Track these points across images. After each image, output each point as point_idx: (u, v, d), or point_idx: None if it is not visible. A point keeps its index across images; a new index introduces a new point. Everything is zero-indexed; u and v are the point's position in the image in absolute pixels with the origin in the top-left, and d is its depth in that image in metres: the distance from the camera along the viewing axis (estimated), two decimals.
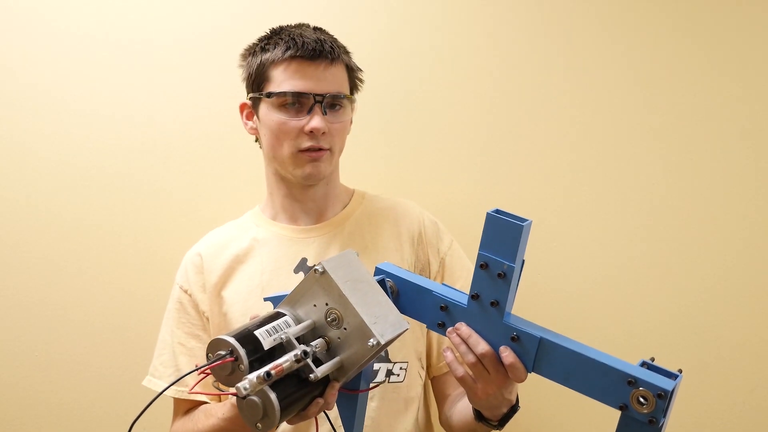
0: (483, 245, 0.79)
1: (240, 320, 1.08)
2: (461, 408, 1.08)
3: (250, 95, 1.13)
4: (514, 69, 1.45)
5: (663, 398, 0.71)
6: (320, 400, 0.78)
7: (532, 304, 1.39)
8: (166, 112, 1.46)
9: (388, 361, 1.09)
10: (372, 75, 1.23)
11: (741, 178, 1.41)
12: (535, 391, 1.20)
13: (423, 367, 1.14)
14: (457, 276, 1.16)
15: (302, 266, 1.11)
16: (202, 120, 1.46)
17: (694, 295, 1.43)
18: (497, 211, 0.78)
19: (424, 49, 1.45)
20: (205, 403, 1.11)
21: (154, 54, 1.45)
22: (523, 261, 0.80)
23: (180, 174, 1.47)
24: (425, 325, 0.88)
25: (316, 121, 1.05)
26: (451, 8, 1.45)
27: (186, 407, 1.13)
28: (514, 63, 1.45)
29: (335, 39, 1.13)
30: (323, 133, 1.06)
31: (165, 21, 1.44)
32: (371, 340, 0.74)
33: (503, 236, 0.77)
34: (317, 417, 0.82)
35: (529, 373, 0.81)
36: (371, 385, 0.91)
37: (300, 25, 1.14)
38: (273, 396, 0.71)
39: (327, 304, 0.76)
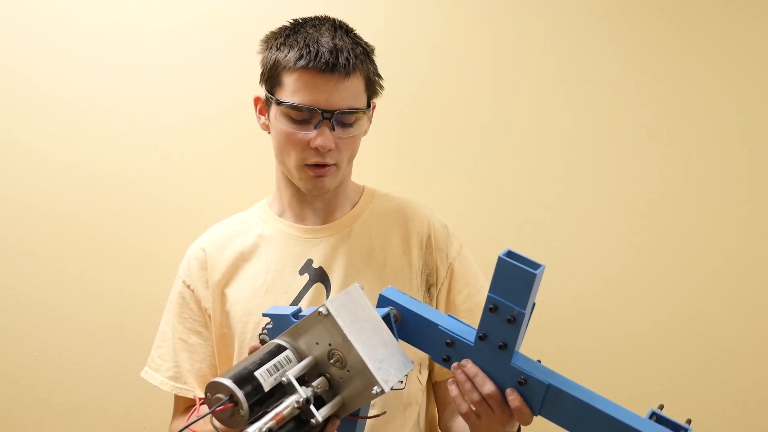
0: (493, 288, 0.76)
1: (242, 320, 1.08)
2: (461, 426, 1.07)
3: (264, 92, 1.08)
4: (515, 69, 1.44)
5: None
6: None
7: None
8: (166, 112, 1.45)
9: None
10: None
11: (740, 179, 1.42)
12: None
13: (421, 372, 1.13)
14: (464, 283, 1.13)
15: (307, 268, 1.09)
16: (202, 120, 1.46)
17: (694, 294, 1.43)
18: (509, 254, 0.74)
19: (425, 48, 1.45)
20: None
21: (154, 54, 1.44)
22: (534, 303, 0.77)
23: (180, 174, 1.46)
24: None
25: (321, 140, 1.01)
26: (452, 9, 1.44)
27: (186, 405, 1.13)
28: (515, 63, 1.44)
29: (356, 43, 1.04)
30: (329, 149, 1.03)
31: (165, 21, 1.43)
32: (375, 387, 0.73)
33: (514, 282, 0.74)
34: None
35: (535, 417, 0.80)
36: (371, 411, 0.89)
37: (320, 24, 1.05)
38: None
39: (330, 345, 0.75)
